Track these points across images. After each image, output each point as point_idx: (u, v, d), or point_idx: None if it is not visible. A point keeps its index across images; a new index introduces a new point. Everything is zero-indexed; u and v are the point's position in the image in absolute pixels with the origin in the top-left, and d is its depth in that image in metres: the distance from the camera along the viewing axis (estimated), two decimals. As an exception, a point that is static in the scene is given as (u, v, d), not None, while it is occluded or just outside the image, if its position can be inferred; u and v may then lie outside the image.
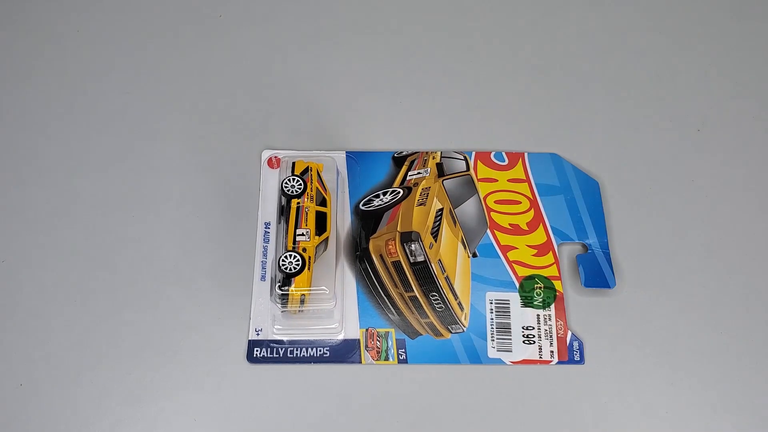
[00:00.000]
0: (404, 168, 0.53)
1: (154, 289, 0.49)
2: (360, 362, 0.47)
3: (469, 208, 0.52)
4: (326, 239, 0.47)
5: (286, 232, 0.47)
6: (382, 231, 0.51)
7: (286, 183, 0.48)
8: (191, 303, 0.49)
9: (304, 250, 0.46)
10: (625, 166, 0.54)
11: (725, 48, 0.59)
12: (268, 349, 0.48)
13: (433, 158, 0.53)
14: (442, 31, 0.59)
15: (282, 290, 0.45)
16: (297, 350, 0.48)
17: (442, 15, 0.60)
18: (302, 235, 0.47)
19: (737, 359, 0.48)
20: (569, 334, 0.48)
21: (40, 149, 0.54)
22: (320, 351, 0.48)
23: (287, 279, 0.45)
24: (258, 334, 0.48)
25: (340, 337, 0.48)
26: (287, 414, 0.46)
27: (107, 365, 0.47)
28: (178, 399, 0.46)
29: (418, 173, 0.53)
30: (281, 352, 0.48)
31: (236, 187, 0.53)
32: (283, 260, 0.46)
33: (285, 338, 0.48)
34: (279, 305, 0.46)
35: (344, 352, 0.48)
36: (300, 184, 0.48)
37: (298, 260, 0.46)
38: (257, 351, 0.48)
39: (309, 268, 0.46)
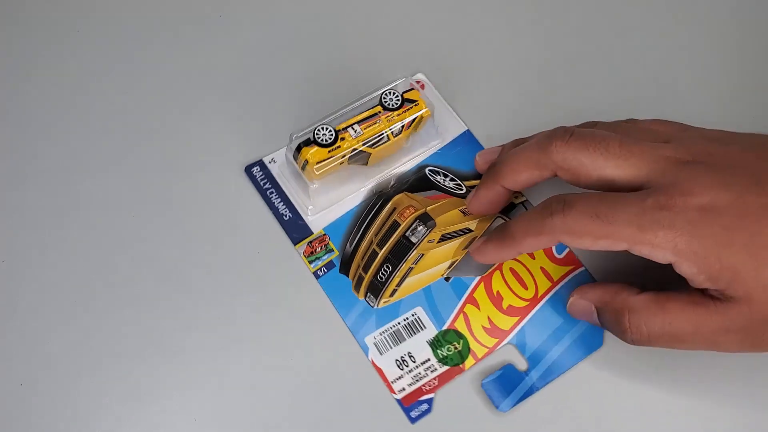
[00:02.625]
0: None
1: (154, 289, 0.49)
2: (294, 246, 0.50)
3: None
4: (368, 156, 0.48)
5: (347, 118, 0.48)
6: (417, 197, 0.51)
7: (386, 95, 0.49)
8: (191, 303, 0.49)
9: (342, 139, 0.47)
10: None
11: (725, 48, 0.59)
12: (268, 349, 0.48)
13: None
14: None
15: (294, 153, 0.48)
16: None
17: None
18: (354, 130, 0.48)
19: (737, 359, 0.48)
20: (425, 397, 0.46)
21: (40, 149, 0.54)
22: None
23: (304, 144, 0.47)
24: (258, 334, 0.48)
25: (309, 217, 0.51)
26: (288, 414, 0.46)
27: (107, 365, 0.47)
28: (178, 399, 0.46)
29: None
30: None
31: (236, 186, 0.53)
32: (319, 128, 0.47)
33: None
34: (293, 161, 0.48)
35: (294, 228, 0.50)
36: (398, 100, 0.49)
37: (332, 133, 0.47)
38: (257, 351, 0.48)
39: (334, 149, 0.47)
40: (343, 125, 0.49)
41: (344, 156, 0.48)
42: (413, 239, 0.49)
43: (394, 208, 0.50)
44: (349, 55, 0.58)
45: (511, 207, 0.51)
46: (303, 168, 0.48)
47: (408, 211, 0.50)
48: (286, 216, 0.51)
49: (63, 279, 0.50)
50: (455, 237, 0.50)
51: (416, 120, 0.50)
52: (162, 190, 0.53)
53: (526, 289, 0.49)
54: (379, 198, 0.51)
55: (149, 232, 0.51)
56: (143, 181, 0.53)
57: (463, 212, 0.51)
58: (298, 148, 0.48)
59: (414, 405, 0.46)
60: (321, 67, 0.57)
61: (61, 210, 0.52)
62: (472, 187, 0.51)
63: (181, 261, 0.50)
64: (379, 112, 0.49)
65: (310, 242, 0.50)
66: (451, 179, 0.52)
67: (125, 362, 0.47)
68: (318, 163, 0.48)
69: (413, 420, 0.45)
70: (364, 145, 0.48)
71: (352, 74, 0.57)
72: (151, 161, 0.54)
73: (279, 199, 0.52)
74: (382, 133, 0.49)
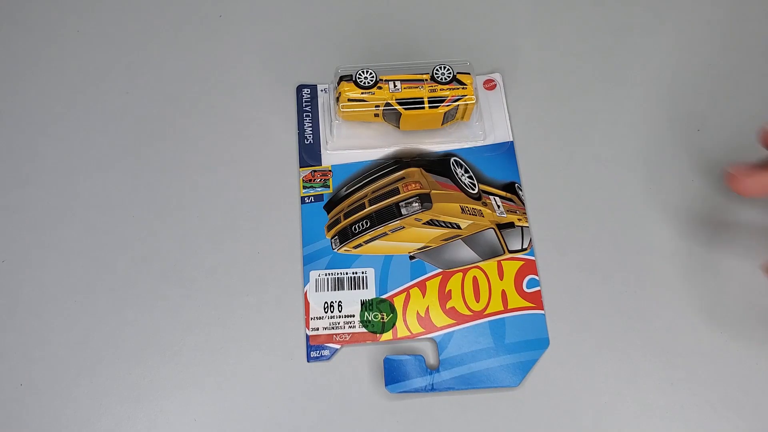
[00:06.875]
0: (515, 198, 0.53)
1: (154, 289, 0.49)
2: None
3: (463, 251, 0.50)
4: (399, 116, 0.50)
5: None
6: (429, 177, 0.52)
7: (439, 68, 0.51)
8: (191, 303, 0.49)
9: (380, 88, 0.50)
10: (625, 166, 0.54)
11: (725, 48, 0.59)
12: (268, 349, 0.48)
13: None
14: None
15: (335, 85, 0.50)
16: None
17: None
18: (394, 85, 0.50)
19: (737, 359, 0.48)
20: (331, 345, 0.47)
21: (40, 149, 0.54)
22: None
23: (346, 79, 0.50)
24: (257, 334, 0.49)
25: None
26: (288, 413, 0.46)
27: (107, 365, 0.47)
28: (178, 399, 0.46)
29: (499, 207, 0.52)
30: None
31: (236, 186, 0.53)
32: (363, 70, 0.50)
33: None
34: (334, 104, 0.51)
35: (309, 153, 0.52)
36: (449, 75, 0.51)
37: (373, 77, 0.49)
38: (256, 350, 0.48)
39: (368, 93, 0.49)
40: (387, 78, 0.50)
41: (376, 106, 0.50)
42: (403, 211, 0.50)
43: (403, 177, 0.52)
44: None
45: (509, 225, 0.51)
46: (337, 101, 0.51)
47: (413, 186, 0.51)
48: (308, 140, 0.53)
49: (63, 279, 0.50)
50: (442, 227, 0.50)
51: (461, 107, 0.51)
52: (162, 190, 0.53)
53: (477, 302, 0.49)
54: (395, 163, 0.53)
55: (149, 232, 0.51)
56: (143, 181, 0.53)
57: (462, 209, 0.51)
58: (339, 81, 0.51)
59: (317, 347, 0.47)
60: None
61: (61, 210, 0.52)
62: (485, 191, 0.52)
63: (181, 261, 0.50)
64: (426, 80, 0.51)
65: (314, 171, 0.52)
66: (469, 177, 0.53)
67: (125, 362, 0.47)
68: (349, 101, 0.50)
69: (309, 359, 0.47)
70: (397, 102, 0.50)
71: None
72: (150, 161, 0.54)
73: (310, 124, 0.54)
74: (420, 99, 0.50)
